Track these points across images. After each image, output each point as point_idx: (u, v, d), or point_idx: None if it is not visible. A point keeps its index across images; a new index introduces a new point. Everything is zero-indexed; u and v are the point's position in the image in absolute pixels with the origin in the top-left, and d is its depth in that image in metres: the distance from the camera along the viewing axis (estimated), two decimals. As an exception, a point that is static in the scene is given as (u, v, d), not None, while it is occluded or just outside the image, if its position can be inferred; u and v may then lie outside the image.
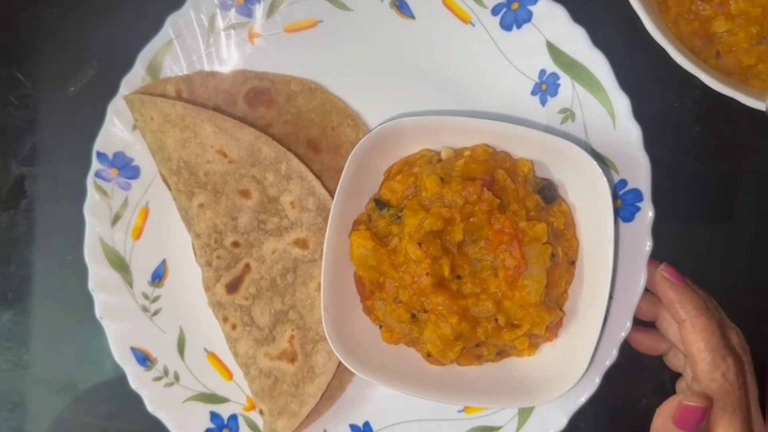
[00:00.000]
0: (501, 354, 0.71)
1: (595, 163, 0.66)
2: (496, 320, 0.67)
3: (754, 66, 0.68)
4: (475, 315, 0.67)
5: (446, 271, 0.65)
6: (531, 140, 0.69)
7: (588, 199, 0.69)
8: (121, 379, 0.75)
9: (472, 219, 0.66)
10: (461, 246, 0.67)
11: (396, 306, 0.67)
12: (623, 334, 0.70)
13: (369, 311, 0.71)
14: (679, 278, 0.68)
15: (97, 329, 0.75)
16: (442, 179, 0.66)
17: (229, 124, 0.72)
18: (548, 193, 0.69)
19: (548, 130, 0.71)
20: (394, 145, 0.71)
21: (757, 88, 0.69)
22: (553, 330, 0.69)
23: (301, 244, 0.73)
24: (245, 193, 0.73)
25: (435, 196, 0.66)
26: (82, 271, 0.76)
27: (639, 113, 0.71)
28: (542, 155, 0.70)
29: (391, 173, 0.71)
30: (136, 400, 0.75)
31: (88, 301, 0.75)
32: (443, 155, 0.70)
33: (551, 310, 0.67)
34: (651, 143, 0.71)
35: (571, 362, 0.68)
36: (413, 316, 0.67)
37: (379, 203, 0.70)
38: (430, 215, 0.65)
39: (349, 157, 0.68)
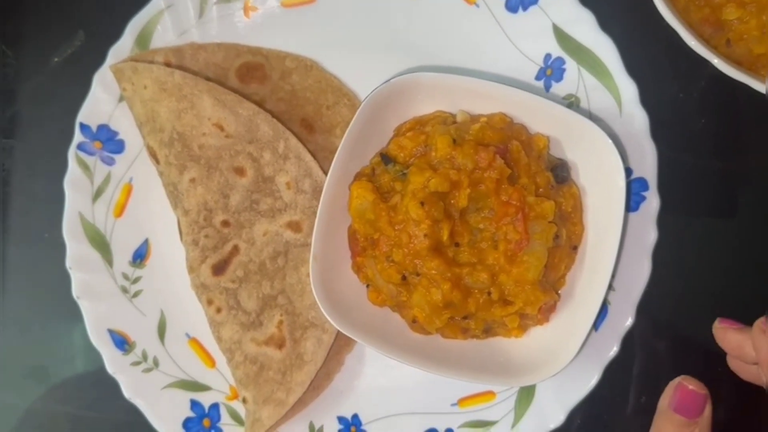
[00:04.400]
0: (488, 332, 0.68)
1: (613, 146, 0.64)
2: (489, 293, 0.65)
3: (764, 55, 0.66)
4: (468, 285, 0.64)
5: (445, 236, 0.63)
6: (551, 115, 0.67)
7: (599, 185, 0.67)
8: (97, 365, 0.72)
9: (479, 186, 0.64)
10: (464, 213, 0.65)
11: (388, 265, 0.65)
12: (627, 324, 0.68)
13: (358, 269, 0.69)
14: None
15: (73, 312, 0.72)
16: (454, 141, 0.64)
17: (229, 97, 0.69)
18: (561, 173, 0.67)
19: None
20: (408, 101, 0.68)
21: (767, 77, 0.67)
22: (545, 313, 0.67)
23: (294, 227, 0.70)
24: (240, 171, 0.70)
25: (445, 156, 0.64)
26: (58, 251, 0.72)
27: (644, 102, 0.69)
28: (559, 133, 0.68)
29: (402, 130, 0.69)
30: (113, 388, 0.72)
31: (64, 282, 0.72)
32: (458, 118, 0.68)
33: (547, 292, 0.65)
34: (655, 134, 0.69)
35: (560, 348, 0.65)
36: (404, 277, 0.65)
37: (386, 158, 0.67)
38: (436, 175, 0.63)
39: (360, 107, 0.66)
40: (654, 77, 0.72)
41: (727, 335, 0.62)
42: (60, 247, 0.72)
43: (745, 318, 0.66)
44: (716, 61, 0.63)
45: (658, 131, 0.69)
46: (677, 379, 0.60)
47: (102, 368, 0.72)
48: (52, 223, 0.73)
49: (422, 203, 0.62)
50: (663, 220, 0.69)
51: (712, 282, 0.73)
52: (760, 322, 0.60)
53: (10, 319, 0.78)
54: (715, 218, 0.74)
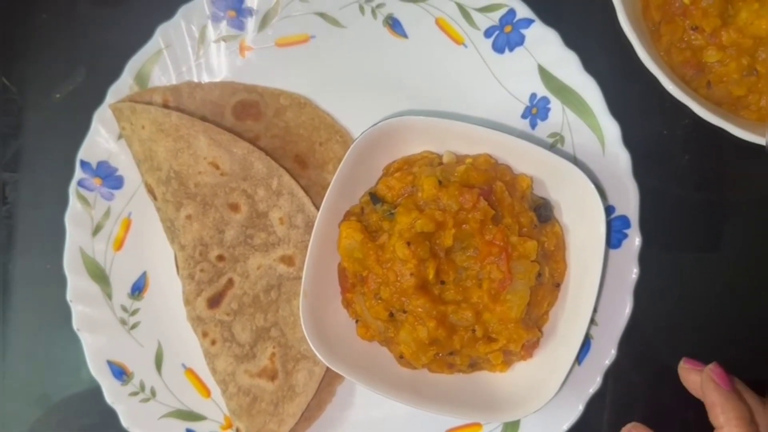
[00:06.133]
0: (473, 366, 0.70)
1: (594, 188, 0.66)
2: (474, 331, 0.67)
3: (744, 97, 0.68)
4: (453, 323, 0.66)
5: (431, 275, 0.65)
6: (534, 156, 0.69)
7: (582, 224, 0.69)
8: (96, 392, 0.74)
9: (464, 226, 0.66)
10: (449, 252, 0.67)
11: (375, 302, 0.67)
12: (607, 362, 0.70)
13: (348, 304, 0.71)
14: (727, 382, 0.62)
15: (73, 341, 0.74)
16: (440, 182, 0.66)
17: (223, 137, 0.72)
18: (544, 212, 0.69)
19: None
20: (397, 142, 0.71)
21: (746, 118, 0.69)
22: (528, 350, 0.69)
23: (287, 261, 0.72)
24: (234, 207, 0.72)
25: (431, 198, 0.66)
26: (60, 281, 0.74)
27: (628, 140, 0.71)
28: (542, 173, 0.70)
29: (390, 170, 0.71)
30: (111, 415, 0.74)
31: (66, 311, 0.74)
32: (445, 159, 0.70)
33: (530, 329, 0.67)
34: (639, 170, 0.71)
35: (543, 383, 0.67)
36: (391, 314, 0.67)
37: (374, 198, 0.69)
38: (423, 216, 0.65)
39: (350, 148, 0.68)
40: (638, 115, 0.74)
41: (689, 376, 0.65)
42: (61, 278, 0.74)
43: (724, 354, 0.68)
44: (694, 106, 0.65)
45: (642, 167, 0.71)
46: (629, 426, 0.63)
47: (101, 394, 0.74)
48: (54, 254, 0.75)
49: (409, 243, 0.64)
50: (646, 254, 0.71)
51: (694, 316, 0.74)
52: (708, 369, 0.63)
53: (12, 346, 0.79)
54: (698, 253, 0.76)
